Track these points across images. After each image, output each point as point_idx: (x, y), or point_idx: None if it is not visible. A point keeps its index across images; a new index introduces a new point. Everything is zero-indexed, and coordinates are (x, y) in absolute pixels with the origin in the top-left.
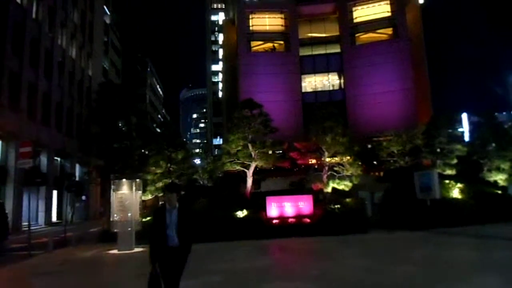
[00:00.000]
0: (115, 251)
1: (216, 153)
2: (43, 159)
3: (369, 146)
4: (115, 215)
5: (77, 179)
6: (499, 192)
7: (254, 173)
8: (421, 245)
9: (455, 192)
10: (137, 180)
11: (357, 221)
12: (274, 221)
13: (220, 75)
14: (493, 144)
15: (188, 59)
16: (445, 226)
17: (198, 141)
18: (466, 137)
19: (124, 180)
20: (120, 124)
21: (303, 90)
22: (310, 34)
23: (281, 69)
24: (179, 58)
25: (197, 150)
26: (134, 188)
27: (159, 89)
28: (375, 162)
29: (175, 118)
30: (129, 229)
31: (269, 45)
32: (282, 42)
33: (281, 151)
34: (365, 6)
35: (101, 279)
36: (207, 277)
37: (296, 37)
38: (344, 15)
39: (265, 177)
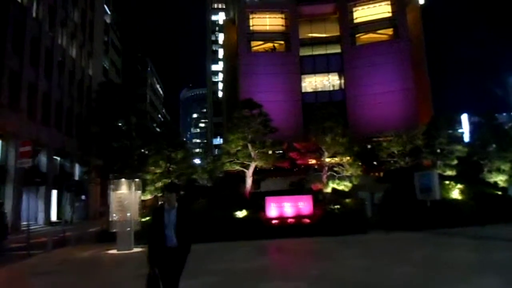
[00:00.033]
0: (114, 251)
1: (216, 153)
2: (43, 159)
3: (369, 146)
4: (114, 215)
5: (76, 178)
6: (499, 193)
7: (253, 173)
8: (420, 246)
9: (455, 193)
10: (136, 179)
11: (357, 221)
12: (274, 221)
13: (220, 75)
14: (493, 145)
15: (188, 59)
16: (445, 227)
17: (198, 141)
18: (467, 138)
19: (123, 179)
20: (120, 124)
21: (303, 90)
22: (310, 34)
23: (281, 69)
24: (179, 58)
25: (197, 150)
26: (133, 188)
27: (159, 89)
28: (375, 163)
29: (175, 118)
30: (128, 229)
31: (269, 45)
32: (282, 42)
33: (280, 151)
34: (365, 7)
35: (99, 279)
36: (206, 277)
37: (297, 37)
38: (344, 16)
39: (264, 177)
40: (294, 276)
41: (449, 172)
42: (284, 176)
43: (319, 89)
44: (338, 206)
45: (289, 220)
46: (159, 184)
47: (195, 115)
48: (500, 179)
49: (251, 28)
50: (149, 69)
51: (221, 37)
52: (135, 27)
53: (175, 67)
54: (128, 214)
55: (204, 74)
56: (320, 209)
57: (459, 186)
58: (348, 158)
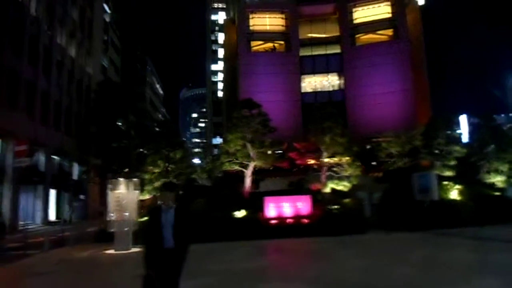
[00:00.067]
0: (111, 251)
1: (215, 152)
2: (41, 158)
3: (368, 146)
4: (112, 214)
5: (75, 178)
6: (498, 194)
7: (253, 173)
8: (419, 246)
9: (454, 194)
10: (134, 179)
11: (356, 221)
12: (273, 221)
13: (220, 74)
14: (492, 146)
15: (188, 59)
16: (443, 227)
17: (197, 140)
18: (466, 139)
19: (121, 179)
20: (119, 123)
21: (303, 90)
22: (310, 35)
23: (281, 69)
24: (179, 58)
25: (197, 150)
26: (131, 187)
27: (158, 88)
28: (374, 163)
29: (174, 117)
30: (126, 229)
31: (269, 45)
32: (282, 42)
33: (280, 151)
34: (365, 7)
35: (96, 279)
36: (206, 277)
37: (297, 37)
38: (344, 16)
39: (264, 177)
40: (294, 277)
41: (448, 173)
42: (283, 176)
43: (319, 89)
44: (337, 206)
45: (288, 220)
46: (158, 184)
47: (194, 115)
48: (498, 180)
49: (251, 28)
50: (148, 68)
51: (221, 37)
52: (135, 26)
53: (175, 67)
54: (126, 214)
55: (203, 73)
56: (319, 209)
57: (457, 186)
58: (347, 158)
